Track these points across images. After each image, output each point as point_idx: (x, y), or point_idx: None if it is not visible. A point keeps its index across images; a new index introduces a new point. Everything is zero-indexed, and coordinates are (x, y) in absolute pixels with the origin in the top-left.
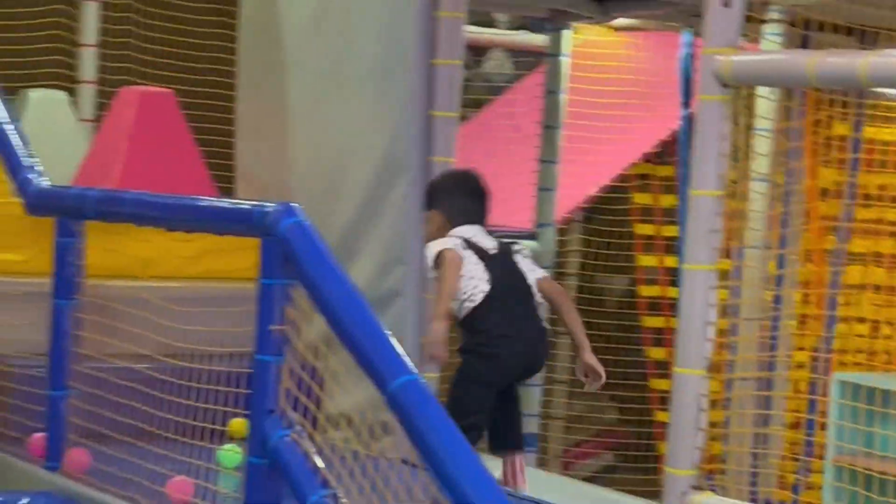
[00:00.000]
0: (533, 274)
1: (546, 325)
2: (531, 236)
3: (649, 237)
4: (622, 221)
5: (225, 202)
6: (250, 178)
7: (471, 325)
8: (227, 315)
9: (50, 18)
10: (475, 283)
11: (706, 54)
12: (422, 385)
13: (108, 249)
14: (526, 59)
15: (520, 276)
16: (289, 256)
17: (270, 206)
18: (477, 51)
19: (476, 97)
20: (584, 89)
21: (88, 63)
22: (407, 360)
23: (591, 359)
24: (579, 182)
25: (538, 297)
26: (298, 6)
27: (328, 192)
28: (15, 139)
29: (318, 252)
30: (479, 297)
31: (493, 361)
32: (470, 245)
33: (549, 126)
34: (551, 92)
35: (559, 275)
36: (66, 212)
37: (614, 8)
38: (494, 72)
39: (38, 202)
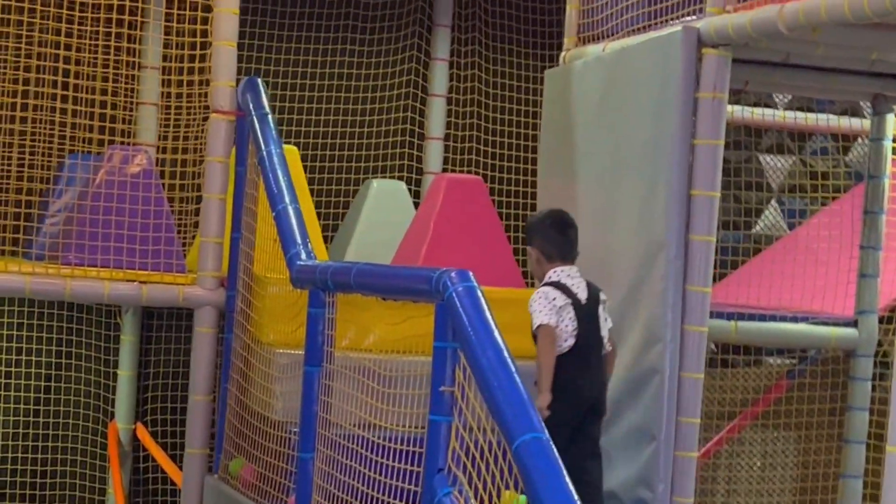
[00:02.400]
0: (607, 326)
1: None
2: (852, 324)
3: None
4: None
5: (413, 269)
6: None
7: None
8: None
9: (400, 114)
10: (565, 336)
11: None
12: (545, 443)
13: (346, 321)
14: None
15: (598, 328)
16: (454, 320)
17: (447, 272)
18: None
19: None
20: None
21: (433, 154)
22: (537, 419)
23: None
24: None
25: (607, 349)
26: (589, 88)
27: (604, 275)
28: (292, 219)
29: (477, 316)
30: (564, 349)
31: (567, 403)
32: (566, 292)
33: (871, 211)
34: (874, 177)
35: (884, 364)
36: (316, 284)
37: None
38: (859, 160)
39: (299, 276)
